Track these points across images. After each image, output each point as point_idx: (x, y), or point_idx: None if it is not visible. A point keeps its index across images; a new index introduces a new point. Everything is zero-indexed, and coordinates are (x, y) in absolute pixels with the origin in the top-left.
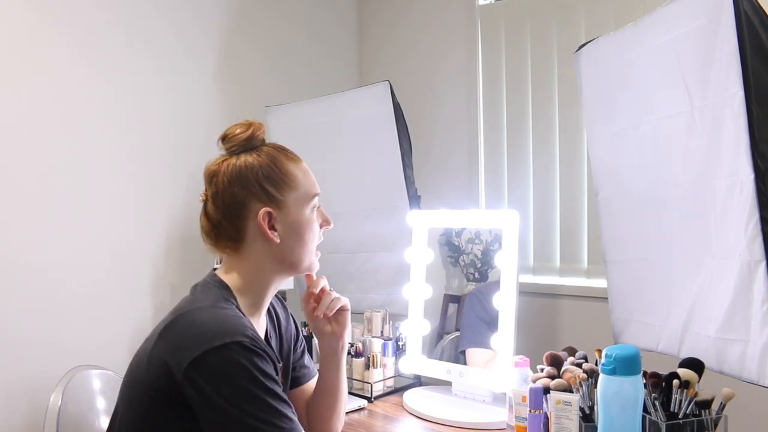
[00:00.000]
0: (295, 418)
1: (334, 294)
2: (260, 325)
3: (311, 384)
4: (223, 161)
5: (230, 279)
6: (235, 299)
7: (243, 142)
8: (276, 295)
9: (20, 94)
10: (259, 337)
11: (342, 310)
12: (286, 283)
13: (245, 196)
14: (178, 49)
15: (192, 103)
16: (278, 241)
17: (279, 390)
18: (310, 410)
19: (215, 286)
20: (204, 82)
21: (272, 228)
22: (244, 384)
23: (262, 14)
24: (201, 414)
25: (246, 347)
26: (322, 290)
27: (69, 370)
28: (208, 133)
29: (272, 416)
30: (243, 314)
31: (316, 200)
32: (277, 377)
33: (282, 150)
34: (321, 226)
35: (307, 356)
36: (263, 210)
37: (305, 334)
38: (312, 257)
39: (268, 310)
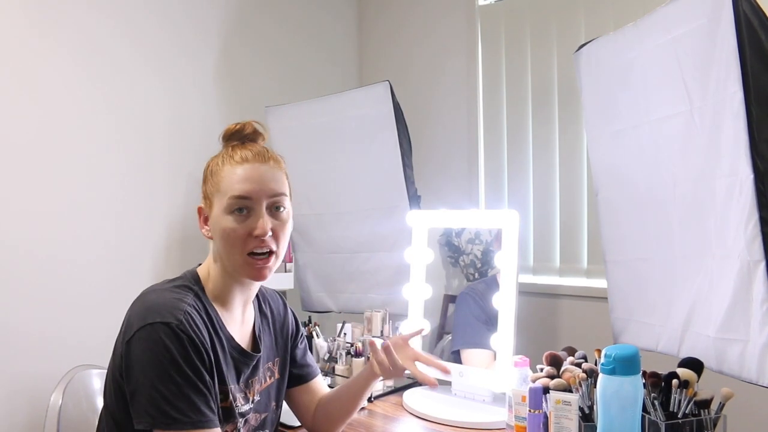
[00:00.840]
0: (207, 412)
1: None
2: (235, 317)
3: (315, 382)
4: None
5: (204, 268)
6: (202, 288)
7: (227, 137)
8: (277, 293)
9: (22, 97)
10: (194, 322)
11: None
12: (287, 282)
13: (202, 190)
14: (178, 50)
15: (192, 103)
16: (209, 237)
17: (197, 380)
18: (321, 407)
19: (186, 273)
20: (204, 82)
21: (206, 224)
22: (163, 363)
23: (262, 15)
24: (125, 385)
25: (172, 329)
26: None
27: (69, 369)
28: (208, 133)
29: (180, 401)
30: (202, 301)
31: (235, 202)
32: (201, 368)
33: (233, 148)
34: (251, 233)
35: (309, 355)
36: (198, 206)
37: (306, 333)
38: (234, 263)
39: (261, 306)
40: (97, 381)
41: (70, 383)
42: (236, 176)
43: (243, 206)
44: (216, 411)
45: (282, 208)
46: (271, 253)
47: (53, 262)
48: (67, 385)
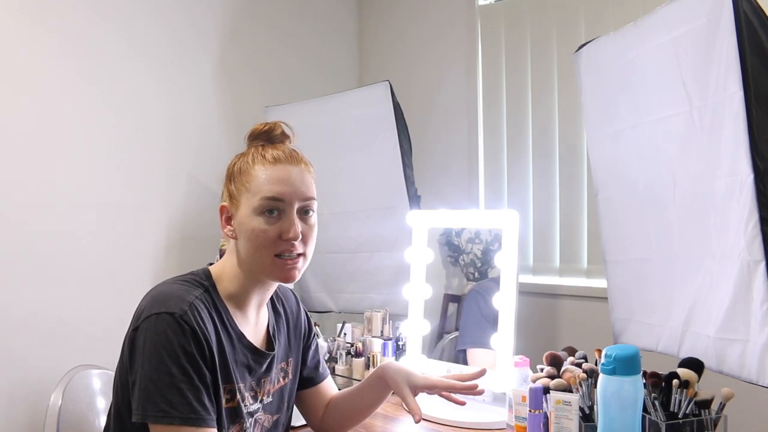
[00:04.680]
0: (199, 409)
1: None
2: (249, 318)
3: (325, 384)
4: None
5: (219, 266)
6: (213, 286)
7: (254, 137)
8: (291, 291)
9: (22, 99)
10: (199, 314)
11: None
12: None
13: (223, 188)
14: (177, 49)
15: (192, 103)
16: (233, 236)
17: (193, 373)
18: (331, 410)
19: (198, 271)
20: (203, 81)
21: (229, 224)
22: (161, 354)
23: (262, 15)
24: (128, 376)
25: (176, 319)
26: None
27: (69, 369)
28: (208, 133)
29: (172, 394)
30: (212, 296)
31: (267, 203)
32: (201, 362)
33: (265, 149)
34: (281, 236)
35: (320, 355)
36: (221, 204)
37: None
38: (261, 264)
39: (275, 306)
40: (97, 381)
41: (70, 383)
42: (268, 177)
43: (274, 208)
44: (212, 408)
45: (311, 212)
46: (300, 254)
47: (53, 263)
48: (67, 385)
